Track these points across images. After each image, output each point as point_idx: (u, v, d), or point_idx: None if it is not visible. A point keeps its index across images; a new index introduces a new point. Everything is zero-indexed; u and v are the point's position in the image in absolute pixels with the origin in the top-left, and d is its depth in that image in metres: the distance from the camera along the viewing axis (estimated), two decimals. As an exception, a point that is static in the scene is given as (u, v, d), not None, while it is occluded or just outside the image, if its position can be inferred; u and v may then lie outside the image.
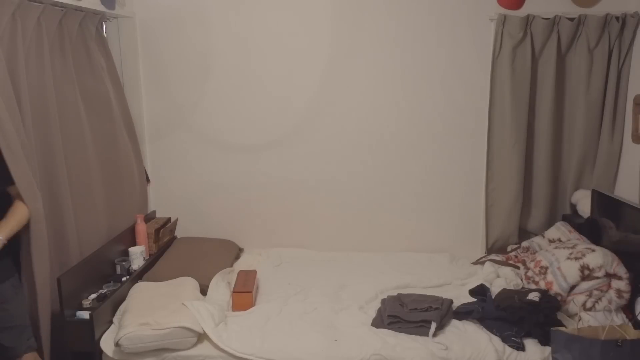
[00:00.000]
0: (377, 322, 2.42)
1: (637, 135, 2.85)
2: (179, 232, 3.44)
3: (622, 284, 2.40)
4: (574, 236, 2.84)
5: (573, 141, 3.13)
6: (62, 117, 2.53)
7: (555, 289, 2.47)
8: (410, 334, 2.31)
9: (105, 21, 3.06)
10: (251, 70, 3.26)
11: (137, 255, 2.90)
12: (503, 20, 2.98)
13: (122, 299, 2.57)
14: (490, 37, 3.05)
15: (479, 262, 3.11)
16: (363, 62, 3.18)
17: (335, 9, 3.12)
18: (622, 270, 2.41)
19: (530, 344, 2.23)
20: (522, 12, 2.99)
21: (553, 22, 2.96)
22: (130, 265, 2.87)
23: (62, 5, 2.53)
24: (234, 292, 2.64)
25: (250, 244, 3.46)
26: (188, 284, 2.70)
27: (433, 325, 2.29)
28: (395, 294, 2.63)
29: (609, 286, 2.43)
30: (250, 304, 2.61)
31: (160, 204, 3.47)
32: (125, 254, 2.92)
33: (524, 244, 3.12)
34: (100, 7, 2.79)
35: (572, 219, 3.09)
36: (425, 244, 3.37)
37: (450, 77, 3.17)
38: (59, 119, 2.50)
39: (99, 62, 2.83)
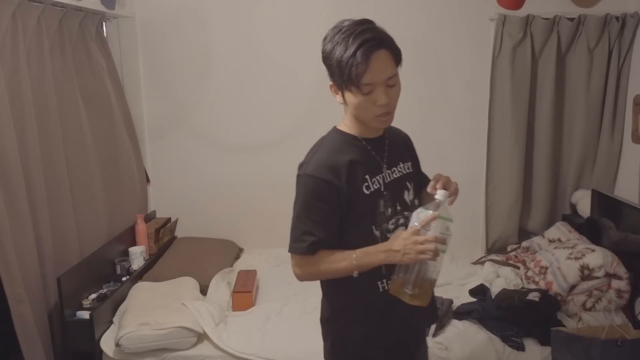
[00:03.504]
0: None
1: (637, 135, 2.85)
2: (179, 232, 3.43)
3: (622, 284, 2.40)
4: (574, 236, 2.84)
5: (573, 141, 3.13)
6: (62, 117, 2.53)
7: (555, 289, 2.47)
8: (410, 334, 2.31)
9: (105, 21, 3.06)
10: (251, 70, 3.26)
11: (137, 255, 2.90)
12: (503, 20, 2.98)
13: (122, 299, 2.58)
14: (490, 37, 3.05)
15: (479, 262, 3.11)
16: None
17: (334, 9, 3.13)
18: (622, 270, 2.41)
19: (530, 344, 2.23)
20: (522, 12, 2.99)
21: (553, 22, 2.96)
22: (130, 265, 2.87)
23: (62, 5, 2.53)
24: (234, 292, 2.64)
25: (250, 244, 3.46)
26: (188, 284, 2.70)
27: (433, 325, 2.29)
28: (395, 294, 2.63)
29: (609, 286, 2.43)
30: (250, 304, 2.61)
31: (160, 204, 3.47)
32: (125, 254, 2.92)
33: (524, 244, 3.12)
34: (101, 7, 2.79)
35: (572, 219, 3.09)
36: (425, 244, 3.36)
37: (450, 77, 3.17)
38: (59, 118, 2.50)
39: (99, 62, 2.83)
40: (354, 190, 1.37)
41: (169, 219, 3.34)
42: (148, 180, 3.37)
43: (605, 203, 2.85)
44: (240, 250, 3.42)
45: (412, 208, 1.41)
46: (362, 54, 1.29)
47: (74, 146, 2.63)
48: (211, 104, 3.32)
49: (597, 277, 2.42)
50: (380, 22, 1.50)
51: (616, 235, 2.66)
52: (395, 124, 1.52)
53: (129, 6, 3.16)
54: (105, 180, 2.89)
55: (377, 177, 1.41)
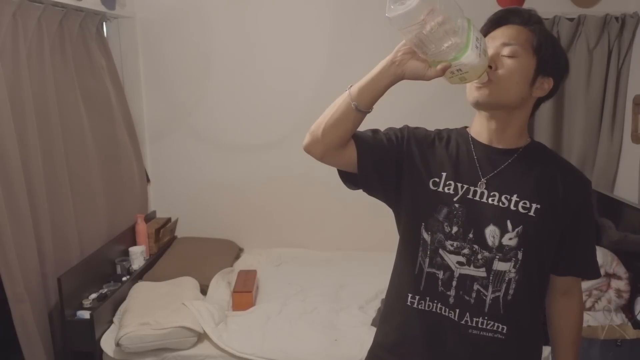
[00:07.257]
0: (377, 322, 2.42)
1: (636, 135, 2.85)
2: (179, 232, 3.44)
3: (622, 284, 2.40)
4: (573, 236, 2.84)
5: (572, 141, 3.12)
6: (62, 117, 2.54)
7: (554, 288, 2.47)
8: (410, 333, 2.31)
9: (105, 21, 3.06)
10: (251, 70, 3.26)
11: (138, 255, 2.90)
12: (503, 21, 2.98)
13: (123, 299, 2.58)
14: (490, 37, 3.05)
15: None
16: (363, 61, 3.17)
17: (335, 9, 3.12)
18: (621, 270, 2.41)
19: (530, 343, 2.23)
20: (522, 12, 2.99)
21: (553, 22, 2.96)
22: (130, 265, 2.87)
23: (63, 6, 2.53)
24: (234, 292, 2.64)
25: (251, 244, 3.46)
26: (188, 284, 2.71)
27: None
28: (395, 293, 2.63)
29: (609, 286, 2.43)
30: (250, 303, 2.61)
31: (160, 204, 3.47)
32: (126, 253, 2.92)
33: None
34: (101, 8, 2.80)
35: (572, 218, 3.09)
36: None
37: (450, 77, 3.17)
38: (59, 119, 2.50)
39: (99, 62, 2.83)
40: (416, 172, 1.21)
41: (169, 219, 3.34)
42: (148, 180, 3.37)
43: (604, 203, 2.85)
44: (240, 250, 3.42)
45: (492, 251, 1.14)
46: (489, 20, 1.22)
47: (74, 146, 2.64)
48: (211, 104, 3.32)
49: (597, 277, 2.42)
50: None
51: (616, 235, 2.66)
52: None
53: (129, 6, 3.16)
54: (105, 180, 2.90)
55: (460, 184, 1.18)
